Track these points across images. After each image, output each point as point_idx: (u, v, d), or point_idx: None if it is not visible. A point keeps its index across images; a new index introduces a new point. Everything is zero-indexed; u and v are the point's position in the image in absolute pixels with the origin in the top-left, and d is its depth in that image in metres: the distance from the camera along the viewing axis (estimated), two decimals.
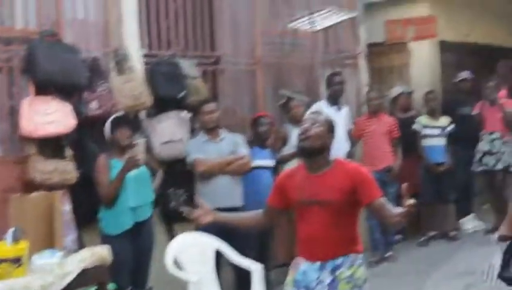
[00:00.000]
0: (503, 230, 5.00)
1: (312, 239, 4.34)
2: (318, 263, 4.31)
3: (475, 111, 9.67)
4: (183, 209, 4.95)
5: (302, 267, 4.37)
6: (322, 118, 4.41)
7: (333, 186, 4.25)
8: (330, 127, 4.39)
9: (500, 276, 5.01)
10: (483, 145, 9.55)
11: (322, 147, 4.32)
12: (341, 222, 4.28)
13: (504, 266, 4.95)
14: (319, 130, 4.31)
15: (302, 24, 8.18)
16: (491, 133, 9.48)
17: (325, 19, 8.21)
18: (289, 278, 4.43)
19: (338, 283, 4.23)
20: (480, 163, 9.57)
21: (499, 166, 9.43)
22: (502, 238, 4.99)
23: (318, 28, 8.07)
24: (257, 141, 7.62)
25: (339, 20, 8.43)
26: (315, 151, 4.31)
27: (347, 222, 4.31)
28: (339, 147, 8.51)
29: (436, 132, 9.52)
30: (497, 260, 5.09)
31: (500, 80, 10.38)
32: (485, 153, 9.53)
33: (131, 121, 6.53)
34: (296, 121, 8.03)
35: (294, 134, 7.88)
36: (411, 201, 4.03)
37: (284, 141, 8.04)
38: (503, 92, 9.65)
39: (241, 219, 4.94)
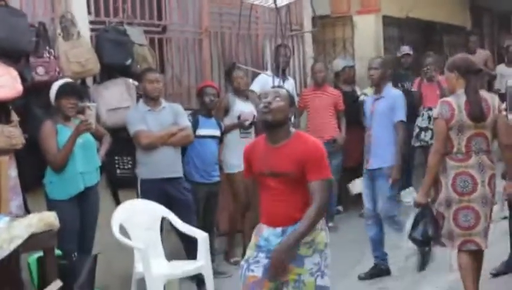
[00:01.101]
0: (418, 197, 5.74)
1: (272, 207, 4.46)
2: (280, 229, 4.41)
3: (414, 88, 9.83)
4: None
5: (265, 233, 4.47)
6: (283, 92, 4.54)
7: (288, 158, 4.38)
8: (291, 101, 4.52)
9: (410, 237, 5.81)
10: (420, 122, 9.70)
11: (284, 120, 4.45)
12: (299, 190, 4.40)
13: (413, 228, 5.73)
14: (281, 104, 4.42)
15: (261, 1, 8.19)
16: (429, 109, 9.46)
17: None
18: (252, 242, 4.54)
19: (299, 247, 4.33)
20: (417, 138, 9.72)
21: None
22: (416, 205, 5.76)
23: (279, 4, 8.10)
24: (203, 110, 7.66)
25: None
26: (276, 124, 4.43)
27: (305, 190, 4.41)
28: None
29: None
30: (408, 224, 5.83)
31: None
32: (422, 129, 9.68)
33: (76, 88, 6.47)
34: (239, 91, 8.11)
35: (236, 104, 7.97)
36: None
37: (227, 110, 8.09)
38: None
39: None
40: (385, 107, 7.05)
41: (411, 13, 11.62)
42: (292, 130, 4.52)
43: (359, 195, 9.84)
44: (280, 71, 8.75)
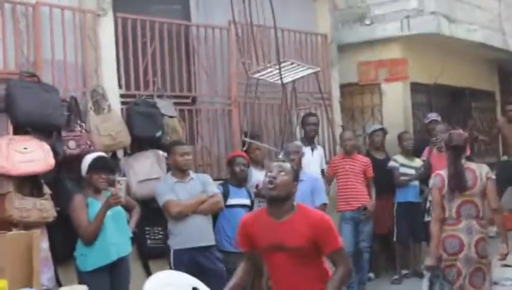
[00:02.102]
0: (427, 260, 6.44)
1: (280, 281, 4.49)
2: None
3: (424, 156, 9.50)
4: None
5: None
6: (288, 166, 4.57)
7: (297, 232, 4.40)
8: (295, 176, 4.56)
9: None
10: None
11: (288, 195, 4.49)
12: (306, 264, 4.44)
13: (430, 288, 6.30)
14: (285, 178, 4.46)
15: (269, 76, 8.27)
16: None
17: (291, 72, 8.33)
18: None
19: None
20: (429, 213, 8.97)
21: None
22: (427, 268, 6.38)
23: (285, 81, 8.18)
24: (233, 180, 7.70)
25: (304, 74, 8.55)
26: (281, 199, 4.47)
27: (312, 264, 4.46)
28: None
29: (411, 171, 9.63)
30: (424, 286, 6.36)
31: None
32: None
33: (108, 162, 6.57)
34: (256, 161, 8.15)
35: (254, 174, 7.98)
36: None
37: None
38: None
39: (238, 282, 4.91)
40: (305, 190, 6.96)
41: (439, 79, 11.66)
42: (295, 203, 4.54)
43: (392, 260, 9.83)
44: (309, 140, 8.78)
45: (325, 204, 7.03)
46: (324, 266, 4.56)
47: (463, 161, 6.40)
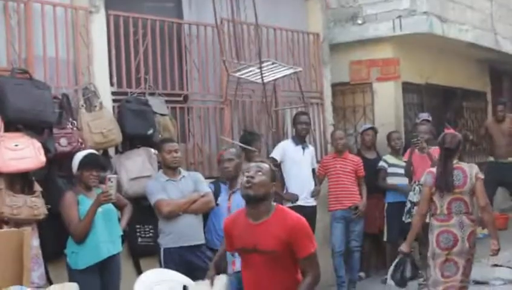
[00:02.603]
0: (402, 247, 6.93)
1: (255, 285, 4.48)
2: None
3: (404, 158, 9.43)
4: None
5: None
6: (266, 166, 4.55)
7: (271, 235, 4.38)
8: (272, 176, 4.54)
9: (392, 277, 7.05)
10: (412, 196, 9.11)
11: (265, 195, 4.46)
12: (281, 268, 4.42)
13: (394, 271, 6.97)
14: (263, 178, 4.45)
15: (250, 74, 8.25)
16: (420, 184, 9.28)
17: (272, 72, 8.32)
18: None
19: None
20: (410, 214, 9.05)
21: (427, 219, 9.02)
22: (402, 253, 6.92)
23: (265, 80, 8.16)
24: (224, 177, 7.69)
25: (285, 74, 8.53)
26: (258, 199, 4.44)
27: (288, 267, 4.44)
28: (304, 185, 8.66)
29: (401, 170, 9.64)
30: (391, 268, 7.06)
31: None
32: (415, 204, 8.85)
33: (99, 159, 6.55)
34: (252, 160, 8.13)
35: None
36: None
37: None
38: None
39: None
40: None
41: (430, 79, 11.69)
42: (273, 205, 4.52)
43: (381, 260, 9.86)
44: (300, 139, 8.79)
45: None
46: (298, 277, 4.52)
47: (455, 161, 6.69)
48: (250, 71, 8.26)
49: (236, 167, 6.99)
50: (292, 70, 8.63)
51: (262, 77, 8.06)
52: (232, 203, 6.81)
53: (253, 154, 8.08)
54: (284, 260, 4.42)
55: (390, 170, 9.66)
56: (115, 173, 7.00)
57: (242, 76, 8.26)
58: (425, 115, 10.45)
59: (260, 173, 4.45)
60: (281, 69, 8.49)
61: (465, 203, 6.64)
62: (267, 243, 4.37)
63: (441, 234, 6.65)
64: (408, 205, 9.26)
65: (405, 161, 9.45)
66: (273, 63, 8.46)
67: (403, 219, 9.28)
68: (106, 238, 6.28)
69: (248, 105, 8.96)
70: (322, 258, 8.81)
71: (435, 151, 9.21)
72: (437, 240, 6.66)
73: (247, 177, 4.44)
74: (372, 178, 9.41)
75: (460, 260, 6.60)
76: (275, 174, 4.60)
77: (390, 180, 9.66)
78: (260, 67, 8.05)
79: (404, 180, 9.61)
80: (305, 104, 9.11)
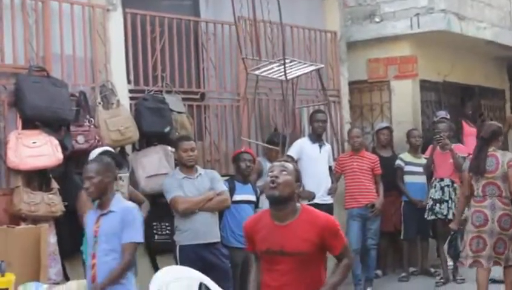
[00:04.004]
0: (451, 225, 7.78)
1: (279, 287, 4.37)
2: None
3: (426, 155, 9.52)
4: None
5: None
6: (290, 166, 4.44)
7: (300, 237, 4.30)
8: (297, 176, 4.44)
9: (448, 252, 8.33)
10: (434, 193, 9.26)
11: (290, 196, 4.36)
12: (307, 269, 4.35)
13: (449, 247, 8.03)
14: (288, 178, 4.34)
15: (270, 72, 8.23)
16: (441, 180, 9.28)
17: (292, 69, 8.30)
18: None
19: None
20: (432, 211, 9.26)
21: (450, 215, 9.08)
22: (452, 230, 7.72)
23: (289, 77, 8.15)
24: (239, 176, 7.72)
25: (306, 71, 8.51)
26: (283, 200, 4.34)
27: (313, 268, 4.39)
28: (321, 183, 8.66)
29: (419, 169, 9.62)
30: (446, 245, 8.15)
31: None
32: (436, 201, 9.22)
33: (114, 157, 6.56)
34: (271, 156, 8.17)
35: (268, 167, 7.97)
36: None
37: (259, 174, 8.12)
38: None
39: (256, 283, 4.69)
40: (114, 224, 5.19)
41: (448, 77, 11.63)
42: (298, 205, 4.43)
43: (399, 258, 9.85)
44: (316, 136, 8.79)
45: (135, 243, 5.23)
46: (323, 273, 4.49)
47: (491, 148, 7.31)
48: (270, 69, 8.26)
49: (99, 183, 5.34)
50: (314, 67, 8.62)
51: (285, 74, 8.04)
52: (101, 228, 5.21)
53: (275, 153, 8.11)
54: (311, 261, 4.35)
55: (407, 168, 9.63)
56: (132, 170, 7.03)
57: (263, 74, 8.26)
58: (443, 113, 10.42)
59: (285, 173, 4.35)
60: (301, 67, 8.48)
61: (498, 187, 7.24)
62: (295, 244, 4.29)
63: (475, 213, 7.31)
64: (430, 202, 9.29)
65: (426, 158, 9.48)
66: (291, 61, 8.45)
67: (426, 215, 9.33)
68: None
69: (265, 103, 8.95)
70: None
71: (457, 148, 9.26)
72: (472, 218, 7.32)
73: (272, 177, 4.34)
74: (388, 176, 9.38)
75: (490, 239, 7.21)
76: (299, 174, 4.50)
77: (407, 179, 9.63)
78: (284, 64, 8.03)
79: (421, 179, 9.61)
80: (327, 101, 9.08)
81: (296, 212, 4.38)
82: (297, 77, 8.41)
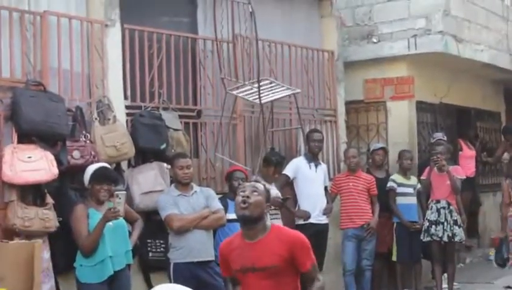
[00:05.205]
0: (499, 233, 9.20)
1: None
2: None
3: (423, 176, 9.53)
4: None
5: None
6: (261, 186, 4.52)
7: (270, 251, 4.36)
8: (267, 197, 4.53)
9: (495, 261, 9.45)
10: (430, 215, 9.28)
11: (261, 215, 4.43)
12: (280, 286, 4.39)
13: (496, 255, 9.30)
14: (258, 198, 4.42)
15: (247, 94, 8.21)
16: (437, 202, 9.29)
17: (270, 92, 8.27)
18: None
19: None
20: (428, 233, 9.26)
21: (445, 238, 9.18)
22: (498, 238, 9.09)
23: (263, 102, 8.11)
24: (232, 194, 7.68)
25: (282, 95, 8.48)
26: (254, 220, 4.41)
27: (287, 285, 4.41)
28: (316, 203, 8.64)
29: (410, 190, 9.61)
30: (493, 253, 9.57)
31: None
32: (432, 223, 9.24)
33: (110, 174, 6.53)
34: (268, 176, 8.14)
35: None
36: None
37: None
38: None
39: None
40: None
41: (444, 99, 11.64)
42: (268, 223, 4.50)
43: (392, 280, 9.80)
44: (312, 156, 8.77)
45: None
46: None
47: None
48: (247, 90, 8.23)
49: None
50: (290, 92, 8.56)
51: (260, 97, 8.00)
52: None
53: (272, 172, 8.09)
54: (284, 276, 4.39)
55: (399, 189, 9.60)
56: (127, 187, 6.99)
57: (239, 95, 8.23)
58: (439, 135, 10.45)
59: (256, 193, 4.43)
60: (279, 89, 8.44)
61: None
62: (266, 259, 4.35)
63: (509, 218, 8.47)
64: (426, 223, 9.29)
65: (422, 179, 9.49)
66: (271, 82, 8.42)
67: (422, 237, 9.32)
68: (113, 253, 6.24)
69: (261, 121, 8.92)
70: (334, 276, 8.86)
71: (454, 170, 9.26)
72: (507, 223, 8.50)
73: (243, 197, 4.41)
74: (381, 197, 9.37)
75: None
76: (269, 194, 4.58)
77: (399, 200, 9.61)
78: (258, 87, 7.99)
79: (412, 200, 9.59)
80: (301, 125, 9.02)
81: (266, 229, 4.46)
82: (270, 101, 8.36)
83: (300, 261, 4.38)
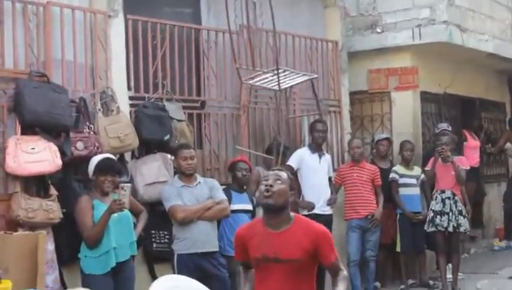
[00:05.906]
0: None
1: None
2: None
3: (428, 167, 9.48)
4: None
5: None
6: (284, 175, 4.48)
7: (293, 244, 4.31)
8: (291, 185, 4.48)
9: None
10: (435, 205, 9.20)
11: (284, 204, 4.39)
12: (299, 278, 4.36)
13: None
14: (282, 187, 4.37)
15: (266, 82, 8.21)
16: (442, 192, 9.23)
17: (286, 79, 8.28)
18: None
19: None
20: (433, 223, 9.19)
21: (450, 228, 9.12)
22: None
23: (282, 87, 8.13)
24: (235, 185, 7.69)
25: (300, 81, 8.49)
26: (278, 208, 4.36)
27: (305, 277, 4.39)
28: (321, 193, 8.62)
29: (412, 181, 9.59)
30: None
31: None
32: (437, 213, 9.16)
33: (115, 165, 6.52)
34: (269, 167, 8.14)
35: None
36: None
37: (258, 183, 8.05)
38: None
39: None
40: None
41: (449, 89, 11.61)
42: (292, 214, 4.45)
43: (398, 270, 9.79)
44: (316, 147, 8.76)
45: None
46: (314, 283, 4.48)
47: None
48: (264, 78, 8.23)
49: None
50: (307, 77, 8.59)
51: (279, 84, 8.02)
52: None
53: (272, 162, 8.07)
54: (305, 269, 4.36)
55: (401, 180, 9.58)
56: (131, 178, 6.98)
57: (257, 83, 8.23)
58: (444, 125, 10.41)
59: (279, 182, 4.38)
60: (296, 76, 8.46)
61: None
62: (290, 251, 4.30)
63: None
64: (431, 214, 9.25)
65: (427, 170, 9.46)
66: (284, 71, 8.42)
67: (426, 227, 9.30)
68: (117, 244, 6.24)
69: (265, 112, 8.91)
70: None
71: (459, 160, 9.23)
72: None
73: (266, 186, 4.36)
74: (385, 188, 9.36)
75: None
76: (292, 183, 4.53)
77: (402, 191, 9.60)
78: (277, 74, 8.01)
79: (415, 191, 9.57)
80: (320, 111, 9.05)
81: (290, 220, 4.41)
82: (290, 86, 8.39)
83: (324, 255, 4.34)
